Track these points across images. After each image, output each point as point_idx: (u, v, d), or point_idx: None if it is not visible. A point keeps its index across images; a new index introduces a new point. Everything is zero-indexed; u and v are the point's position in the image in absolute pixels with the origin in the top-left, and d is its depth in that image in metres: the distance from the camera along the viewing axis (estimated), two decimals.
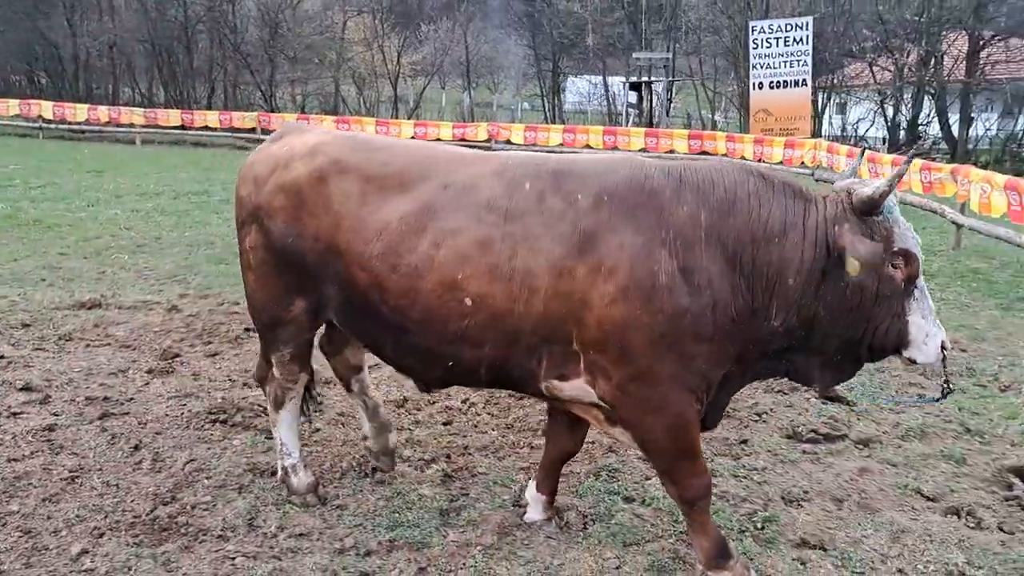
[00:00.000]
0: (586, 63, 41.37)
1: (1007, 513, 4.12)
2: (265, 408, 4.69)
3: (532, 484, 4.03)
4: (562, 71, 40.91)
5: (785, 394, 5.80)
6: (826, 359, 3.33)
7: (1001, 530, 3.96)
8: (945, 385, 3.26)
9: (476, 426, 5.20)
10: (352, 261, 3.44)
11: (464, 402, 5.52)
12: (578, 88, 44.10)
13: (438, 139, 26.07)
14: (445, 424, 5.21)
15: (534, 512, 3.98)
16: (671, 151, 23.68)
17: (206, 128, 28.52)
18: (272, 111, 32.57)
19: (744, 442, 5.00)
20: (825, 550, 3.78)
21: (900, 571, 3.63)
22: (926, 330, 3.15)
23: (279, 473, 4.15)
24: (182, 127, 28.55)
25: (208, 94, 36.25)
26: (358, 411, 4.41)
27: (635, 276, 3.11)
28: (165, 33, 35.45)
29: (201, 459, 4.52)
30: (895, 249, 3.07)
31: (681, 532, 3.84)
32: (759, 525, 4.01)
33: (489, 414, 5.37)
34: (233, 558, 3.59)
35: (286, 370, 3.95)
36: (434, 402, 5.51)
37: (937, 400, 3.39)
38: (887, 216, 3.11)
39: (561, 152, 24.62)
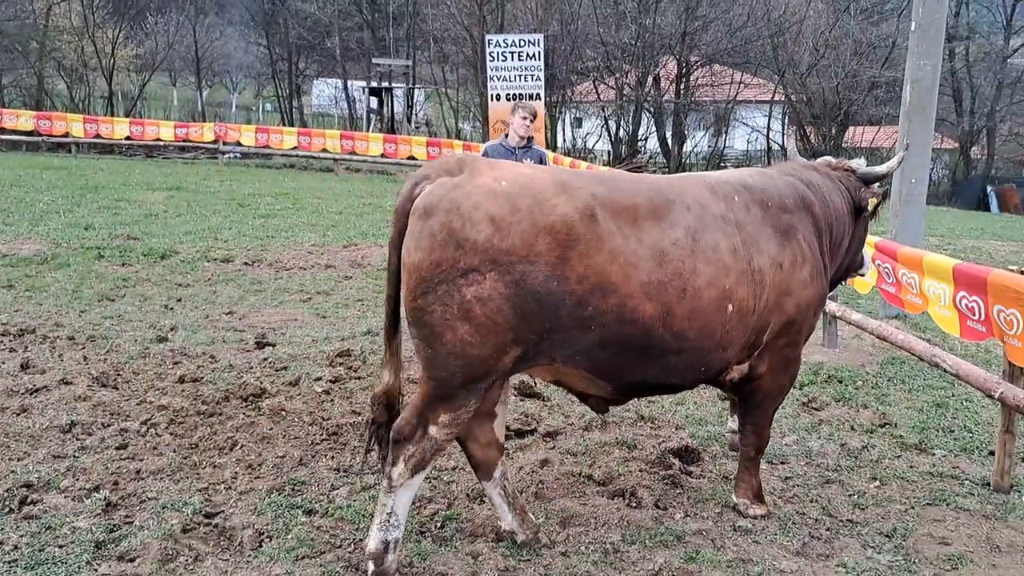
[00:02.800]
0: (328, 66, 40.66)
1: (663, 491, 4.49)
2: None
3: (732, 417, 4.91)
4: (302, 73, 39.85)
5: None
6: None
7: (657, 507, 4.30)
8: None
9: (155, 448, 4.80)
10: (632, 294, 3.40)
11: (144, 423, 5.08)
12: (322, 91, 43.29)
13: (158, 139, 24.30)
14: (119, 448, 4.75)
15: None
16: (411, 157, 23.92)
17: None
18: None
19: None
20: (499, 542, 3.89)
21: (564, 555, 3.81)
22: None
23: (374, 547, 3.45)
24: None
25: None
26: (495, 501, 3.89)
27: (815, 261, 4.00)
28: None
29: None
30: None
31: (359, 540, 3.77)
32: (439, 524, 4.06)
33: (172, 434, 4.98)
34: None
35: (454, 429, 3.47)
36: (108, 425, 5.03)
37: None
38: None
39: (296, 154, 24.04)
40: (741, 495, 4.31)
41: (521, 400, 5.84)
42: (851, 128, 29.09)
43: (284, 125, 34.69)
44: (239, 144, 24.19)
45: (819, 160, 4.69)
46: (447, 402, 3.40)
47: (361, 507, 4.16)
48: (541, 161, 7.30)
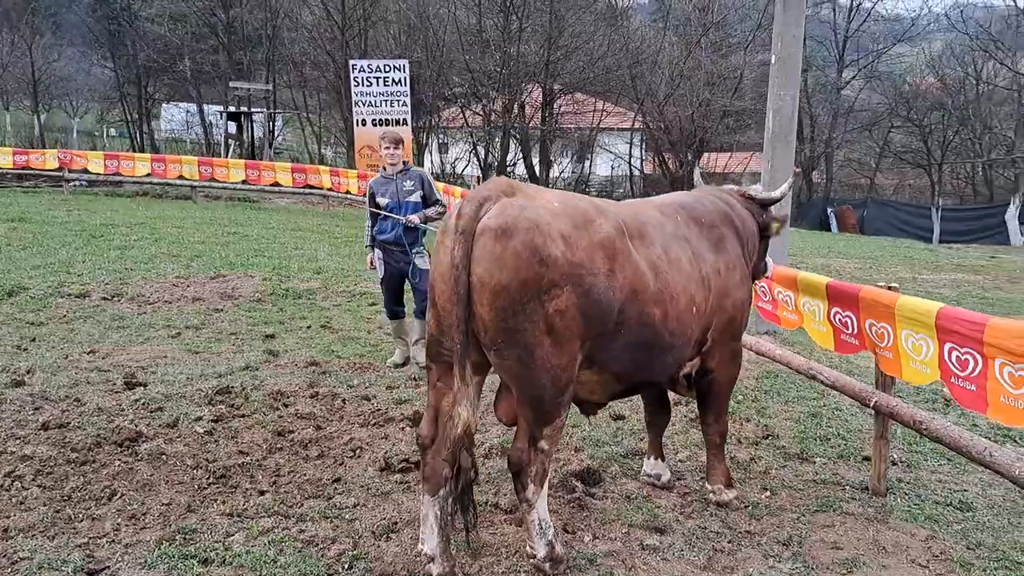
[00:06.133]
0: (180, 90, 38.95)
1: (570, 515, 4.50)
2: None
3: (650, 460, 4.98)
4: (152, 96, 37.98)
5: (381, 426, 5.80)
6: None
7: (565, 531, 4.30)
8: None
9: (22, 503, 4.36)
10: (648, 300, 3.78)
11: (7, 475, 4.62)
12: (173, 116, 41.42)
13: None
14: None
15: (664, 474, 4.95)
16: (275, 184, 23.20)
17: None
18: None
19: (337, 480, 4.86)
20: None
21: None
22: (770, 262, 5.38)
23: (543, 551, 3.75)
24: None
25: None
26: (429, 520, 3.79)
27: (742, 267, 4.55)
28: None
29: None
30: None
31: None
32: (347, 565, 3.89)
33: (40, 487, 4.55)
34: None
35: (557, 437, 3.79)
36: None
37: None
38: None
39: (150, 181, 22.80)
40: (715, 481, 4.75)
41: (417, 430, 5.71)
42: (706, 154, 30.67)
43: (133, 151, 32.92)
44: (86, 172, 22.65)
45: (724, 187, 5.16)
46: (547, 416, 3.61)
47: (261, 553, 3.93)
48: (422, 180, 7.38)
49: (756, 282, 5.47)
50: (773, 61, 7.66)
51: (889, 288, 4.78)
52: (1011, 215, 28.91)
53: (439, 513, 3.79)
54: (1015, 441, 5.94)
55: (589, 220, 3.61)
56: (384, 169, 7.47)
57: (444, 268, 3.49)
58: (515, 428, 3.79)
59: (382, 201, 7.32)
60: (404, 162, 7.49)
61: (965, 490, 5.10)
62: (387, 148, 7.30)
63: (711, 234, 4.43)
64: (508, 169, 31.63)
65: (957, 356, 4.10)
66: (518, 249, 3.33)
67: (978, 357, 3.97)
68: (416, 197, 7.34)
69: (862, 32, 34.52)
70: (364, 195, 21.55)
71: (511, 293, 3.33)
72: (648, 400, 5.02)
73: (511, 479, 4.87)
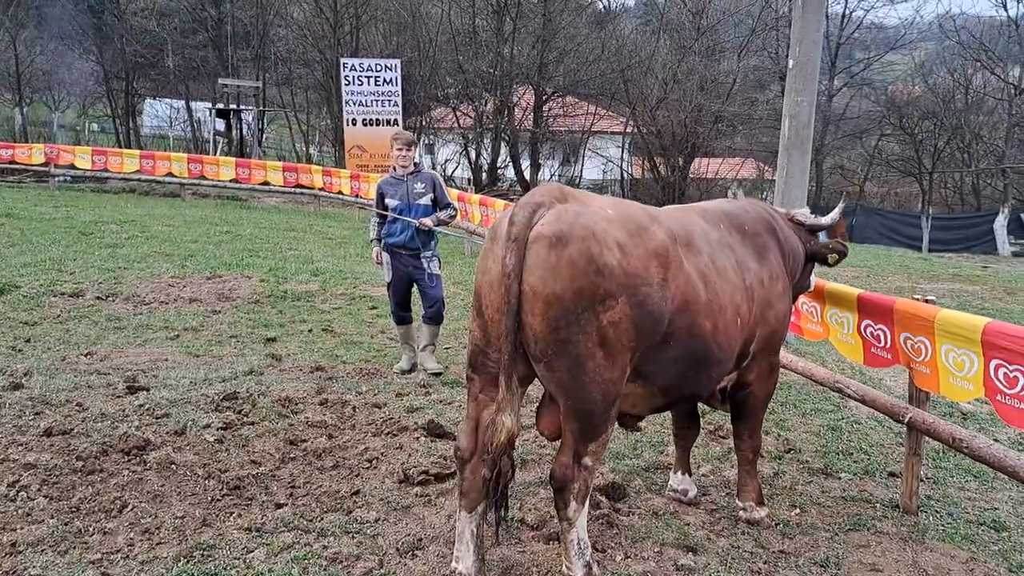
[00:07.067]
0: (167, 85, 38.47)
1: (599, 532, 4.35)
2: None
3: (676, 475, 4.84)
4: (138, 92, 37.47)
5: (394, 436, 5.63)
6: None
7: (595, 549, 4.14)
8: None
9: (29, 515, 4.16)
10: (699, 312, 3.63)
11: (12, 485, 4.42)
12: (157, 111, 40.91)
13: None
14: None
15: (691, 489, 4.81)
16: (265, 183, 22.92)
17: None
18: None
19: (356, 493, 4.69)
20: None
21: None
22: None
23: (580, 572, 3.59)
24: None
25: None
26: (465, 537, 3.66)
27: (784, 278, 4.41)
28: None
29: None
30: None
31: None
32: None
33: (46, 497, 4.35)
34: None
35: (601, 452, 3.59)
36: None
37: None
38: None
39: (137, 178, 22.46)
40: (746, 499, 4.61)
41: (432, 441, 5.57)
42: (697, 159, 30.65)
43: (119, 146, 32.45)
44: (73, 167, 22.26)
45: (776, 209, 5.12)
46: (594, 430, 3.45)
47: (284, 571, 3.76)
48: (433, 183, 7.22)
49: (800, 293, 5.32)
50: (791, 66, 7.56)
51: (927, 301, 4.67)
52: (1000, 224, 29.09)
53: (475, 530, 3.65)
54: None
55: (643, 227, 3.49)
56: (394, 170, 7.29)
57: (494, 277, 3.33)
58: (559, 441, 3.64)
59: (391, 203, 7.14)
60: (415, 163, 7.32)
61: (996, 508, 5.01)
62: (400, 150, 7.14)
63: (754, 243, 4.30)
64: (500, 170, 31.46)
65: (1005, 373, 3.99)
66: (574, 257, 3.19)
67: None
68: (427, 200, 7.18)
69: (855, 39, 34.67)
70: (356, 196, 21.31)
71: (565, 303, 3.20)
72: (677, 413, 4.87)
73: (532, 494, 4.80)
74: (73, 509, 4.26)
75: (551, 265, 3.19)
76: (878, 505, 4.95)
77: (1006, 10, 33.97)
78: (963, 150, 34.10)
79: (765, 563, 4.16)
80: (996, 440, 6.01)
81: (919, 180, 34.91)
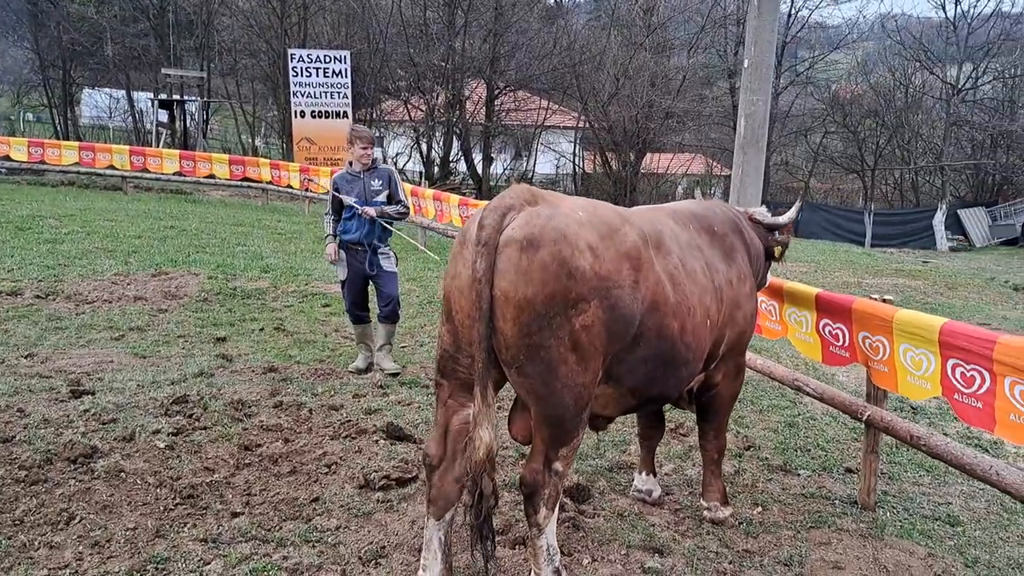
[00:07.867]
0: (106, 74, 37.28)
1: (565, 535, 4.31)
2: None
3: (641, 475, 4.88)
4: (75, 81, 36.25)
5: (353, 439, 5.51)
6: None
7: (563, 552, 4.11)
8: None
9: None
10: (667, 312, 3.59)
11: None
12: (96, 101, 39.65)
13: None
14: None
15: (656, 490, 4.85)
16: (211, 176, 22.38)
17: None
18: None
19: (315, 500, 4.57)
20: None
21: None
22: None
23: None
24: None
25: None
26: (432, 546, 3.59)
27: (751, 278, 4.44)
28: None
29: None
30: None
31: None
32: None
33: None
34: None
35: (572, 457, 3.50)
36: None
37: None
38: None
39: (76, 171, 21.74)
40: (710, 498, 4.64)
41: (392, 444, 5.46)
42: (648, 155, 30.88)
43: (57, 138, 31.39)
44: (8, 159, 21.43)
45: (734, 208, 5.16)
46: (566, 435, 3.39)
47: None
48: (389, 179, 7.09)
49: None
50: (746, 65, 7.62)
51: (884, 301, 4.73)
52: (938, 220, 29.93)
53: (443, 538, 3.57)
54: (983, 449, 6.00)
55: (615, 229, 3.42)
56: (351, 165, 7.13)
57: (464, 282, 3.24)
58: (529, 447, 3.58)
59: (347, 200, 6.99)
60: (373, 160, 7.17)
61: (950, 503, 5.11)
62: (364, 148, 6.97)
63: (723, 244, 4.30)
64: (452, 164, 31.27)
65: (962, 372, 4.05)
66: (545, 261, 3.12)
67: (986, 374, 3.93)
68: (383, 197, 7.05)
69: (799, 38, 35.29)
70: (304, 190, 20.94)
71: (536, 308, 3.12)
72: (644, 414, 4.85)
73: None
74: (17, 522, 4.06)
75: (522, 269, 3.11)
76: (837, 502, 5.01)
77: (944, 11, 34.81)
78: (903, 148, 35.01)
79: (730, 563, 4.17)
80: (946, 435, 6.17)
81: (861, 177, 35.77)
